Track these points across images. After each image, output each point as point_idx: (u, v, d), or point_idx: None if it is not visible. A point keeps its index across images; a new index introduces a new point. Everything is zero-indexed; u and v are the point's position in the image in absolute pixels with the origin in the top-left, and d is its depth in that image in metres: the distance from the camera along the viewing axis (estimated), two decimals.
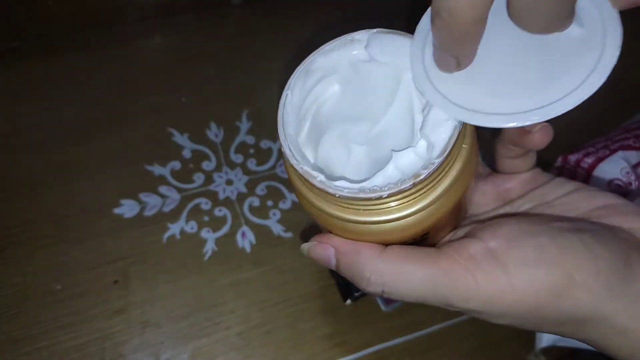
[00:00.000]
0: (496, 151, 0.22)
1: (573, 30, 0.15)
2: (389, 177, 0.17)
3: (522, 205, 0.22)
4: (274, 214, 0.42)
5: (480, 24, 0.15)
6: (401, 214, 0.17)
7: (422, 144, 0.17)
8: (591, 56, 0.14)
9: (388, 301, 0.37)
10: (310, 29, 0.52)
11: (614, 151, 0.40)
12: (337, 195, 0.17)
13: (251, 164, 0.45)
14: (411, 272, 0.18)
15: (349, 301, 0.37)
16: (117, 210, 0.41)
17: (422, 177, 0.16)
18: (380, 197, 0.16)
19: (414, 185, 0.16)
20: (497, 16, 0.15)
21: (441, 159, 0.16)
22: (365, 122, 0.19)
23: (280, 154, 0.46)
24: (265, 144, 0.46)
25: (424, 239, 0.20)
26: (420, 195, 0.17)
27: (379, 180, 0.17)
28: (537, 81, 0.15)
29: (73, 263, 0.38)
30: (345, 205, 0.17)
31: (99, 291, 0.37)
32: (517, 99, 0.15)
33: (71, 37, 0.55)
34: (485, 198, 0.23)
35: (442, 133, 0.17)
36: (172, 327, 0.36)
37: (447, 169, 0.17)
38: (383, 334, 0.36)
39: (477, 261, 0.18)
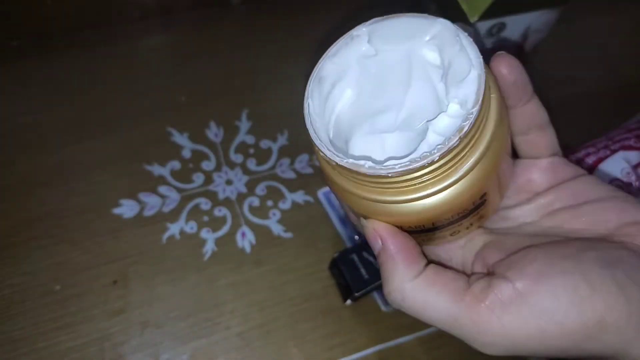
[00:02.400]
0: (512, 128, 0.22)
1: None
2: (432, 143, 0.17)
3: (552, 204, 0.21)
4: (274, 214, 0.42)
5: None
6: (451, 180, 0.18)
7: (453, 106, 0.18)
8: None
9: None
10: (310, 28, 0.52)
11: (614, 151, 0.40)
12: (389, 175, 0.17)
13: (251, 164, 0.45)
14: (434, 304, 0.18)
15: (349, 301, 0.37)
16: (116, 210, 0.41)
17: (465, 128, 0.16)
18: (432, 162, 0.17)
19: (460, 139, 0.17)
20: None
21: (477, 107, 0.17)
22: (389, 111, 0.19)
23: (281, 154, 0.46)
24: (265, 143, 0.46)
25: (482, 203, 0.20)
26: (468, 151, 0.18)
27: (424, 148, 0.17)
28: None
29: (72, 263, 0.38)
30: (396, 186, 0.18)
31: (98, 291, 0.37)
32: None
33: (70, 36, 0.54)
34: (509, 191, 0.22)
35: (468, 87, 0.18)
36: (172, 327, 0.36)
37: (485, 119, 0.18)
38: (383, 334, 0.36)
39: (504, 303, 0.17)
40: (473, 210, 0.20)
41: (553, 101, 0.53)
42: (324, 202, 0.42)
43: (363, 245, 0.37)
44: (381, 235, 0.19)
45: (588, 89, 0.54)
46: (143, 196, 0.42)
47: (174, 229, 0.40)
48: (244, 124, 0.48)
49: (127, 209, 0.41)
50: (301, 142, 0.46)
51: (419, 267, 0.19)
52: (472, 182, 0.19)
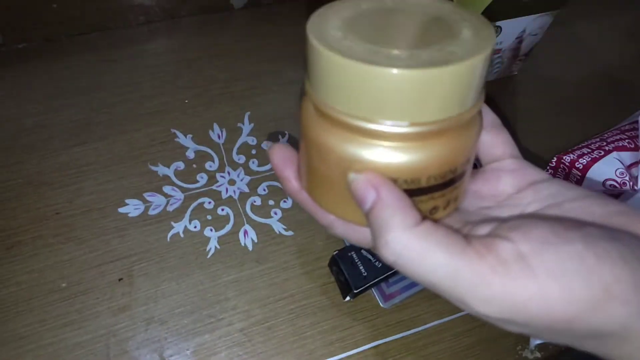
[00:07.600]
0: None
1: None
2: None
3: (529, 205, 0.20)
4: (275, 213, 0.43)
5: None
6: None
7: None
8: None
9: (387, 298, 0.38)
10: None
11: (608, 152, 0.41)
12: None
13: (253, 165, 0.46)
14: (433, 254, 0.16)
15: (348, 298, 0.37)
16: (122, 210, 0.42)
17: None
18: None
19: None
20: None
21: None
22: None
23: None
24: (266, 145, 0.47)
25: (461, 174, 0.19)
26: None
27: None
28: None
29: (78, 261, 0.39)
30: None
31: (104, 289, 0.38)
32: None
33: (75, 39, 0.55)
34: (479, 196, 0.22)
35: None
36: (176, 324, 0.36)
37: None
38: (382, 330, 0.37)
39: (507, 263, 0.16)
40: (456, 178, 0.19)
41: (547, 103, 0.54)
42: None
43: None
44: (376, 185, 0.17)
45: (582, 91, 0.55)
46: (148, 196, 0.43)
47: (178, 227, 0.41)
48: (246, 126, 0.49)
49: (132, 208, 0.42)
50: None
51: (417, 217, 0.17)
52: (465, 139, 0.18)
